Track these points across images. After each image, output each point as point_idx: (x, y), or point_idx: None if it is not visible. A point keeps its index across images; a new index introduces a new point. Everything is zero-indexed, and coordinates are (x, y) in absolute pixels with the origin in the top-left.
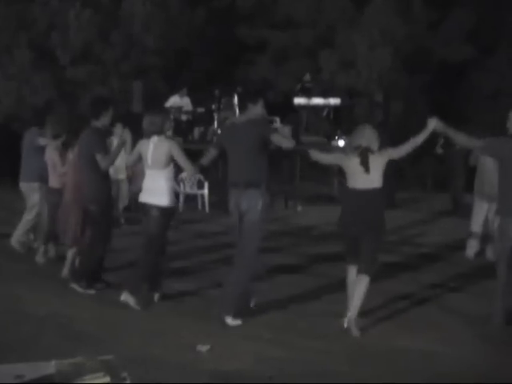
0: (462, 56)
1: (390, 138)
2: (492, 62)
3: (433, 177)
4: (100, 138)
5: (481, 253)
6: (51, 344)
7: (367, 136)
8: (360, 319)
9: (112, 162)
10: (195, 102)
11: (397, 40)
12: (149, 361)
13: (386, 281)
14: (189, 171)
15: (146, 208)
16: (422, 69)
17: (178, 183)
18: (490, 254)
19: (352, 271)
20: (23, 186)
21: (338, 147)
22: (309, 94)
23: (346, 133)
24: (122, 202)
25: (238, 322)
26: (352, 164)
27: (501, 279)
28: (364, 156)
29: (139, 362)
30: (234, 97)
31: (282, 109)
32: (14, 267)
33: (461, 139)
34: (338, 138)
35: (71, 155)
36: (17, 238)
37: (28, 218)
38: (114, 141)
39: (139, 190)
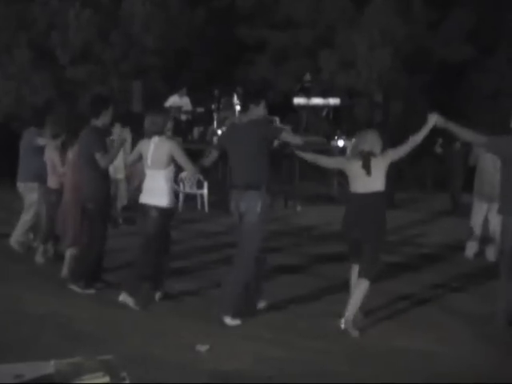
0: (461, 56)
1: (390, 138)
2: (492, 62)
3: (432, 177)
4: (99, 137)
5: (480, 253)
6: (50, 344)
7: (370, 141)
8: (363, 318)
9: (111, 161)
10: (195, 102)
11: (397, 40)
12: (148, 360)
13: (385, 281)
14: (190, 171)
15: (145, 208)
16: (421, 69)
17: (178, 183)
18: (489, 254)
19: (356, 270)
20: (20, 186)
21: (337, 147)
22: (308, 94)
23: (346, 133)
24: (121, 202)
25: (237, 321)
26: (354, 168)
27: (503, 279)
28: (366, 159)
29: (139, 362)
30: (233, 97)
31: (282, 109)
32: (14, 267)
33: (464, 134)
34: (338, 138)
35: (70, 155)
36: (16, 238)
37: (26, 218)
38: (113, 141)
39: (137, 190)
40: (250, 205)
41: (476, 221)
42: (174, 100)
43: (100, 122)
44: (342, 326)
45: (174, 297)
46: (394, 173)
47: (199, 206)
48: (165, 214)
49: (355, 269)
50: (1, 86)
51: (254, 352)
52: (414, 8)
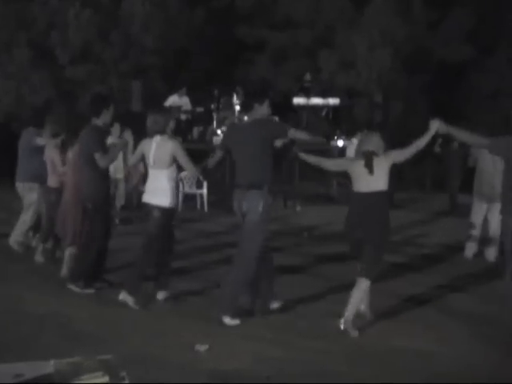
0: (461, 56)
1: (390, 139)
2: (491, 62)
3: (431, 177)
4: (99, 137)
5: (479, 253)
6: (50, 343)
7: (374, 142)
8: (373, 318)
9: (111, 162)
10: (194, 102)
11: (396, 40)
12: (148, 360)
13: (385, 281)
14: (191, 172)
15: (147, 208)
16: (421, 69)
17: (177, 182)
18: (489, 254)
19: None
20: (19, 186)
21: (337, 147)
22: (308, 94)
23: (346, 133)
24: (119, 202)
25: (236, 321)
26: (357, 167)
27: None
28: (368, 158)
29: (138, 362)
30: (232, 96)
31: (282, 109)
32: (13, 267)
33: (466, 138)
34: (338, 138)
35: (70, 155)
36: (15, 237)
37: (25, 218)
38: (111, 140)
39: (134, 189)
40: (252, 204)
41: (475, 221)
42: (173, 100)
43: (101, 121)
44: (342, 326)
45: (173, 296)
46: (395, 173)
47: (199, 206)
48: (167, 213)
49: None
50: (0, 86)
51: (253, 352)
52: (414, 8)
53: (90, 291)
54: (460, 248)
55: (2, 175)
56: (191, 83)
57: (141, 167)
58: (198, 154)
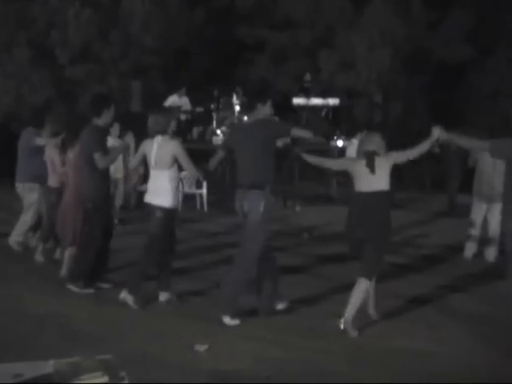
0: (461, 56)
1: (390, 139)
2: (491, 62)
3: (431, 177)
4: (99, 137)
5: (479, 254)
6: (50, 343)
7: (375, 142)
8: (379, 319)
9: (110, 163)
10: (194, 102)
11: (396, 41)
12: (148, 360)
13: (385, 281)
14: (191, 173)
15: (149, 208)
16: (421, 69)
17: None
18: (488, 254)
19: None
20: (19, 186)
21: (336, 147)
22: (308, 94)
23: (345, 133)
24: (118, 202)
25: (235, 321)
26: (358, 167)
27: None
28: (370, 158)
29: (138, 362)
30: (232, 97)
31: (281, 109)
32: (13, 267)
33: (467, 144)
34: (337, 139)
35: (71, 155)
36: (15, 237)
37: (25, 218)
38: (110, 141)
39: (133, 190)
40: (253, 204)
41: (475, 222)
42: (173, 100)
43: (102, 120)
44: (342, 326)
45: (176, 298)
46: (395, 173)
47: (198, 206)
48: (169, 214)
49: None
50: (0, 85)
51: (253, 352)
52: (414, 9)
53: (90, 291)
54: (460, 248)
55: (2, 175)
56: (191, 83)
57: (139, 168)
58: (197, 154)
